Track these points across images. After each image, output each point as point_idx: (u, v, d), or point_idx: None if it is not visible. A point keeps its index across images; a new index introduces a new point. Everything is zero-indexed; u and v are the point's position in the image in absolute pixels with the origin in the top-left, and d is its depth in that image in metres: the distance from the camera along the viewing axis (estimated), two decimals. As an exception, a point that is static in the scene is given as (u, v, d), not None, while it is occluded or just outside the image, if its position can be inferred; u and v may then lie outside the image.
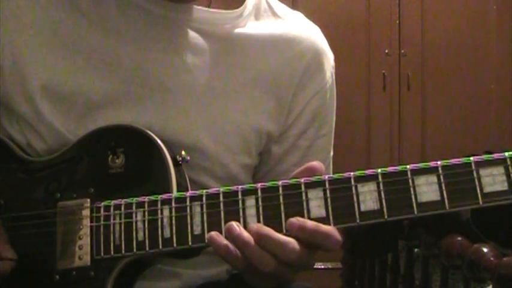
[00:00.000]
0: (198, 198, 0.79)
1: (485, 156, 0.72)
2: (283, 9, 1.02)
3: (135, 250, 0.80)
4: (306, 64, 0.98)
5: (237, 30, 0.95)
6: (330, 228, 0.75)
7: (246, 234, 0.74)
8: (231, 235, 0.75)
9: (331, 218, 0.75)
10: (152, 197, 0.80)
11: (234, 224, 0.76)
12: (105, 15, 0.90)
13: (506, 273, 0.98)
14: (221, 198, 0.78)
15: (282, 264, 0.75)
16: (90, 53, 0.90)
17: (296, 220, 0.75)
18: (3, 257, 0.81)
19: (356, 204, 0.74)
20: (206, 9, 0.93)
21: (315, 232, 0.74)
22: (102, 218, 0.82)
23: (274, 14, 1.00)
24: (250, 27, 0.96)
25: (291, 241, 0.74)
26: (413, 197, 0.73)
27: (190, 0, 0.91)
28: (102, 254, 0.81)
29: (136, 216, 0.80)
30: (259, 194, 0.77)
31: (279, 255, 0.74)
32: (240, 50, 0.94)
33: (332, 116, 1.04)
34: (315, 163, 0.78)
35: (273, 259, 0.74)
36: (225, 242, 0.75)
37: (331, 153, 1.04)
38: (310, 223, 0.75)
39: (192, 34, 0.92)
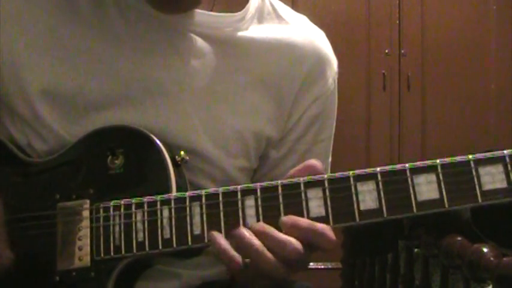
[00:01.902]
0: (198, 198, 0.79)
1: (484, 155, 0.72)
2: (287, 12, 1.00)
3: (135, 251, 0.79)
4: (307, 70, 0.97)
5: (239, 34, 0.94)
6: (324, 227, 0.74)
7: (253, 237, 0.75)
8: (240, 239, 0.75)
9: (330, 217, 0.75)
10: (152, 198, 0.80)
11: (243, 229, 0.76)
12: (105, 18, 0.90)
13: (506, 273, 0.99)
14: (220, 199, 0.78)
15: (283, 263, 0.75)
16: (89, 56, 0.89)
17: (288, 218, 0.75)
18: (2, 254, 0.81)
19: (355, 204, 0.74)
20: (208, 12, 0.92)
21: (309, 230, 0.74)
22: (101, 219, 0.82)
23: (278, 17, 0.98)
24: (253, 30, 0.95)
25: (292, 240, 0.74)
26: (412, 195, 0.73)
27: (191, 8, 0.90)
28: (102, 255, 0.81)
29: (136, 217, 0.80)
30: (259, 194, 0.77)
31: (280, 254, 0.74)
32: (241, 53, 0.94)
33: (332, 122, 1.03)
34: (314, 161, 0.78)
35: (275, 258, 0.74)
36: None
37: (330, 159, 1.03)
38: (304, 221, 0.75)
39: (193, 37, 0.91)
